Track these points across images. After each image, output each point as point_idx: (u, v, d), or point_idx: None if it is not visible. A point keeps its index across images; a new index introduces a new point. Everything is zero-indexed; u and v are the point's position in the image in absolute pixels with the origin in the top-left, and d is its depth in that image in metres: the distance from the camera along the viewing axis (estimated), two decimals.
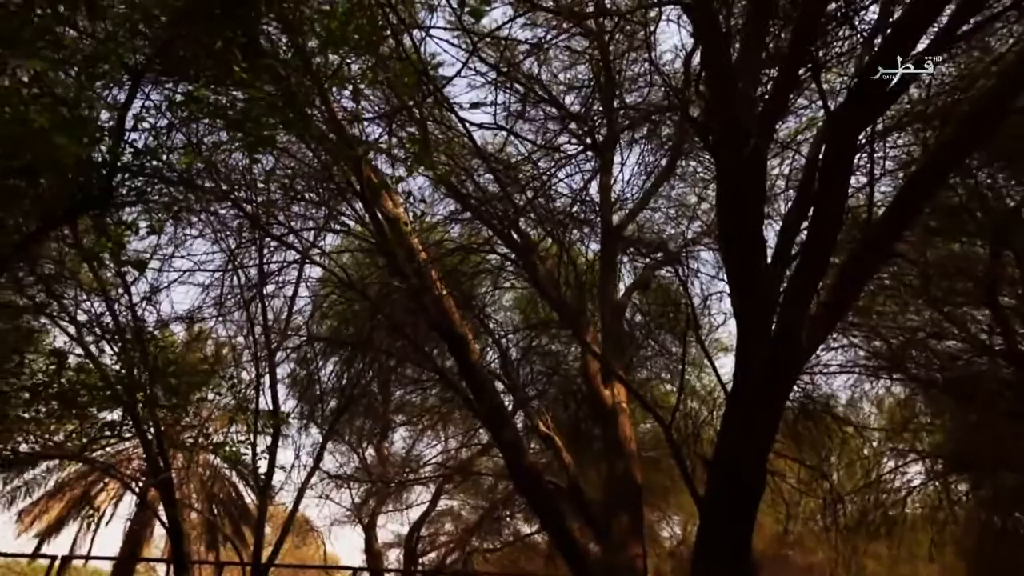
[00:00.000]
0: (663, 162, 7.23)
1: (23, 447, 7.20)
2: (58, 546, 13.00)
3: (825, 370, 7.50)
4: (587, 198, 6.82)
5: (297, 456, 9.48)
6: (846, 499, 7.62)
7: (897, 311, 6.86)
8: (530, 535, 12.63)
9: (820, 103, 3.97)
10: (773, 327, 3.49)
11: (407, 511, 12.86)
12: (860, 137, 3.44)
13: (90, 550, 13.05)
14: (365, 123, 5.54)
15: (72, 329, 6.74)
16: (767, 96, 4.06)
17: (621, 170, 7.17)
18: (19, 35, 3.08)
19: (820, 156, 3.70)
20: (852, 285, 3.63)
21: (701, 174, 7.78)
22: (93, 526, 13.11)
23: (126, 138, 3.80)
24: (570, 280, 6.33)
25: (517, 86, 6.26)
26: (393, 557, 14.21)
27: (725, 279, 5.86)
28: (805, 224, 3.93)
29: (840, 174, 3.28)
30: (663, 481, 11.23)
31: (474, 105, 4.39)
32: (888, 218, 3.34)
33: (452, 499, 13.66)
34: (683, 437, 5.52)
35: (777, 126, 5.11)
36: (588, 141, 6.72)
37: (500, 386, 6.46)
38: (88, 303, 6.86)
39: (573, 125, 6.77)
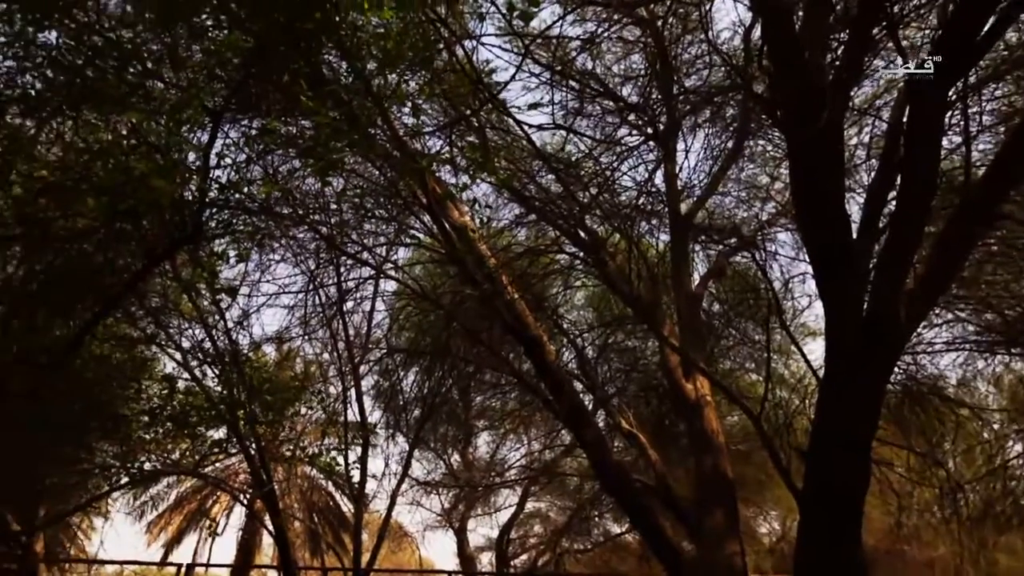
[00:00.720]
0: (729, 144, 6.96)
1: (146, 465, 7.89)
2: (181, 555, 14.12)
3: (930, 349, 6.92)
4: (652, 189, 6.67)
5: (387, 464, 9.80)
6: (967, 488, 6.99)
7: (1010, 279, 6.23)
8: (620, 535, 12.44)
9: (900, 62, 3.70)
10: (865, 306, 3.28)
11: (496, 514, 13.02)
12: (950, 93, 3.17)
13: (209, 558, 14.09)
14: (426, 136, 5.68)
15: (178, 356, 7.33)
16: (838, 62, 3.82)
17: (686, 157, 6.96)
18: (117, 92, 3.40)
19: (904, 119, 3.44)
20: (953, 254, 3.35)
21: (771, 153, 7.43)
22: (210, 536, 14.13)
23: (211, 175, 4.09)
24: (642, 274, 6.21)
25: (572, 83, 6.21)
26: (485, 560, 14.42)
27: (806, 260, 5.56)
28: (893, 194, 3.66)
29: (929, 136, 3.03)
30: (756, 475, 10.76)
31: (531, 107, 4.39)
32: (990, 178, 3.05)
33: (539, 501, 13.69)
34: (774, 428, 5.26)
35: (852, 92, 4.79)
36: (649, 131, 6.57)
37: (579, 386, 6.43)
38: (190, 331, 7.43)
39: (632, 116, 6.64)
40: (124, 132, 3.86)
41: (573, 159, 6.51)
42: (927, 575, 14.04)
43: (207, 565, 13.06)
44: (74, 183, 3.80)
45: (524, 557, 13.97)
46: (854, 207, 5.95)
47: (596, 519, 12.30)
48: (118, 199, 3.55)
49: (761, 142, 7.29)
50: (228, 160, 4.36)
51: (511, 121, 5.59)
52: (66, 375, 5.68)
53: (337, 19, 3.78)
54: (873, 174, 4.41)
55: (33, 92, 3.88)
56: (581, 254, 6.32)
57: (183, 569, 8.60)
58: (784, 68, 3.40)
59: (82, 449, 7.16)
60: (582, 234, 6.00)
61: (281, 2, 3.52)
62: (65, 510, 8.55)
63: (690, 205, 6.82)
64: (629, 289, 5.50)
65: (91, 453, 7.44)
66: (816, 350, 14.89)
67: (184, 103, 3.56)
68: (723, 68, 6.00)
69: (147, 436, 7.38)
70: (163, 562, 13.24)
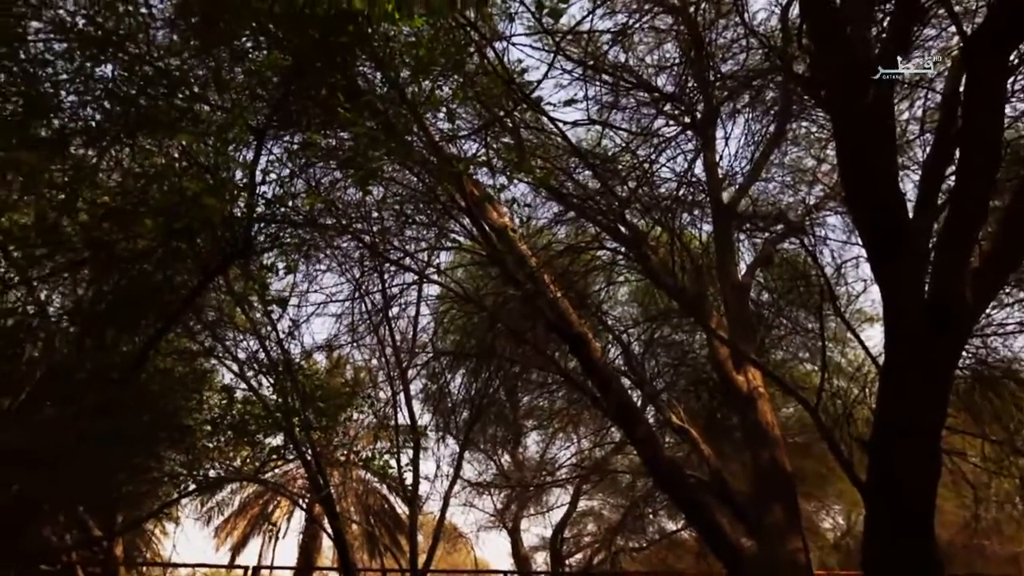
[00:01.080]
0: (771, 129, 6.75)
1: (211, 473, 8.23)
2: (247, 557, 14.67)
3: (1001, 331, 6.53)
4: (693, 179, 6.53)
5: (438, 466, 9.94)
6: None
7: None
8: (676, 532, 12.23)
9: (953, 29, 3.51)
10: (926, 287, 3.12)
11: (548, 514, 13.01)
12: (1011, 57, 2.98)
13: (272, 561, 14.59)
14: (462, 140, 5.73)
15: (235, 367, 7.62)
16: (884, 35, 3.66)
17: (726, 144, 6.79)
18: (167, 117, 3.57)
19: (961, 89, 3.26)
20: (1022, 229, 3.15)
21: (816, 134, 7.17)
22: (273, 539, 14.64)
23: (258, 191, 4.24)
24: (686, 266, 6.09)
25: (605, 77, 6.15)
26: (540, 560, 14.43)
27: (859, 243, 5.33)
28: (951, 169, 3.47)
29: (989, 105, 2.86)
30: (817, 468, 10.39)
31: (566, 104, 4.37)
32: None
33: (592, 499, 13.61)
34: (833, 419, 5.08)
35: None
36: (686, 120, 6.44)
37: (626, 382, 6.35)
38: (245, 342, 7.71)
39: (668, 106, 6.52)
40: (176, 155, 4.04)
41: (610, 154, 6.44)
42: (1011, 571, 13.25)
43: (271, 567, 13.52)
44: (133, 207, 4.01)
45: (579, 556, 13.91)
46: (908, 185, 5.69)
47: (650, 516, 12.14)
48: (173, 219, 3.72)
49: (804, 124, 7.06)
50: (273, 176, 4.52)
51: (545, 119, 5.58)
52: (134, 389, 5.98)
53: (369, 31, 3.86)
54: (928, 149, 4.19)
55: (93, 123, 4.11)
56: (622, 249, 6.26)
57: (249, 571, 8.93)
58: (826, 44, 3.28)
59: (152, 459, 7.52)
60: (623, 229, 5.94)
61: (315, 19, 3.62)
62: (140, 516, 9.00)
63: (732, 193, 6.66)
64: (673, 282, 5.41)
65: (160, 462, 7.80)
66: (874, 336, 14.26)
67: (229, 123, 3.70)
68: (761, 50, 5.83)
69: (210, 445, 7.70)
70: (231, 565, 13.78)
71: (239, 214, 4.22)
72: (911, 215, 3.33)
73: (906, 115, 5.82)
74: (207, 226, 3.89)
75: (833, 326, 7.59)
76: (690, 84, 6.39)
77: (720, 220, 6.32)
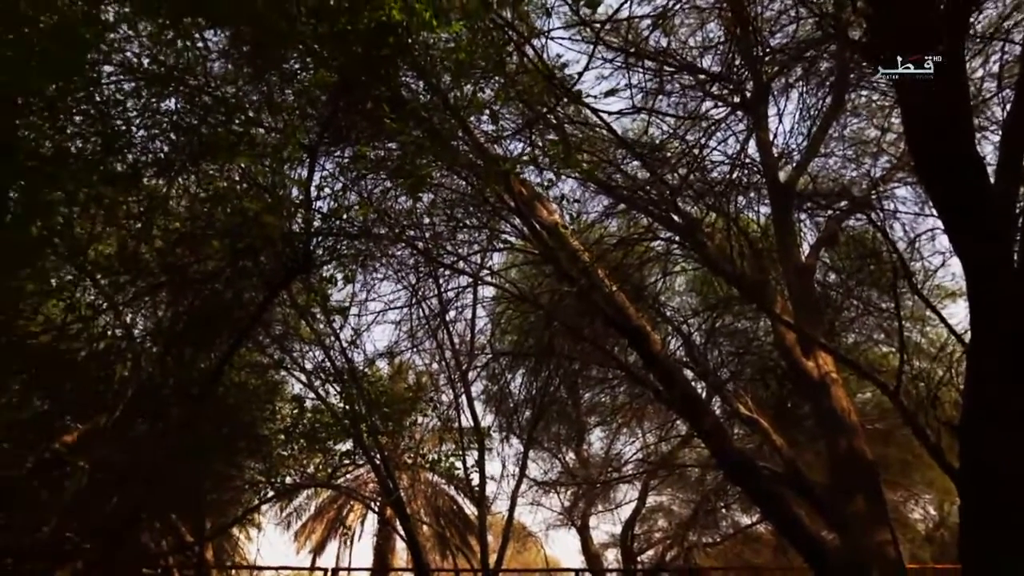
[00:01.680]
0: (827, 101, 6.43)
1: (287, 479, 8.60)
2: (326, 560, 15.22)
3: None
4: (746, 161, 6.30)
5: (503, 466, 10.00)
6: None
7: None
8: (751, 526, 11.84)
9: None
10: (1017, 256, 2.89)
11: (617, 510, 12.86)
12: None
13: (350, 563, 15.07)
14: (507, 140, 5.75)
15: (303, 377, 7.92)
16: None
17: (779, 122, 6.53)
18: (226, 142, 3.75)
19: None
20: None
21: (878, 102, 6.77)
22: (349, 542, 15.13)
23: (314, 206, 4.40)
24: (744, 251, 5.89)
25: (648, 63, 6.02)
26: (611, 557, 14.28)
27: (934, 214, 4.99)
28: None
29: None
30: (901, 455, 9.81)
31: (608, 93, 4.30)
32: None
33: (660, 495, 13.35)
34: (916, 403, 4.77)
35: (972, 19, 4.26)
36: (735, 100, 6.22)
37: (689, 373, 6.20)
38: (311, 353, 8.01)
39: (716, 88, 6.32)
40: (236, 178, 4.25)
41: (657, 141, 6.30)
42: None
43: (349, 569, 13.98)
44: (201, 230, 4.23)
45: (650, 552, 13.68)
46: (988, 148, 5.29)
47: (723, 510, 11.80)
48: (237, 238, 3.91)
49: (864, 92, 6.68)
50: (327, 190, 4.67)
51: (589, 112, 5.53)
52: (213, 403, 6.31)
53: (409, 40, 3.93)
54: (1008, 106, 3.88)
55: (162, 155, 4.37)
56: (677, 238, 6.11)
57: (328, 573, 9.27)
58: (885, 4, 3.09)
59: (233, 468, 7.93)
60: (676, 218, 5.79)
61: (357, 35, 3.71)
62: (226, 522, 9.51)
63: (790, 172, 6.38)
64: (732, 268, 5.24)
65: (240, 471, 8.22)
66: (957, 313, 13.35)
67: (283, 144, 3.85)
68: (812, 19, 5.55)
69: (285, 453, 8.05)
70: (312, 567, 14.34)
71: (297, 230, 4.39)
72: (992, 180, 3.09)
73: (980, 72, 5.41)
74: (269, 243, 4.06)
75: (910, 304, 7.15)
76: (737, 62, 6.17)
77: (778, 201, 6.07)
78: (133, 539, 6.79)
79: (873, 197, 6.47)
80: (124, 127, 4.02)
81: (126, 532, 5.88)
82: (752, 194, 6.53)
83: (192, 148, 3.99)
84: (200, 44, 4.12)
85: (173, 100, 4.21)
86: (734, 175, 6.04)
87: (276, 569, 10.40)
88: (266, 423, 7.85)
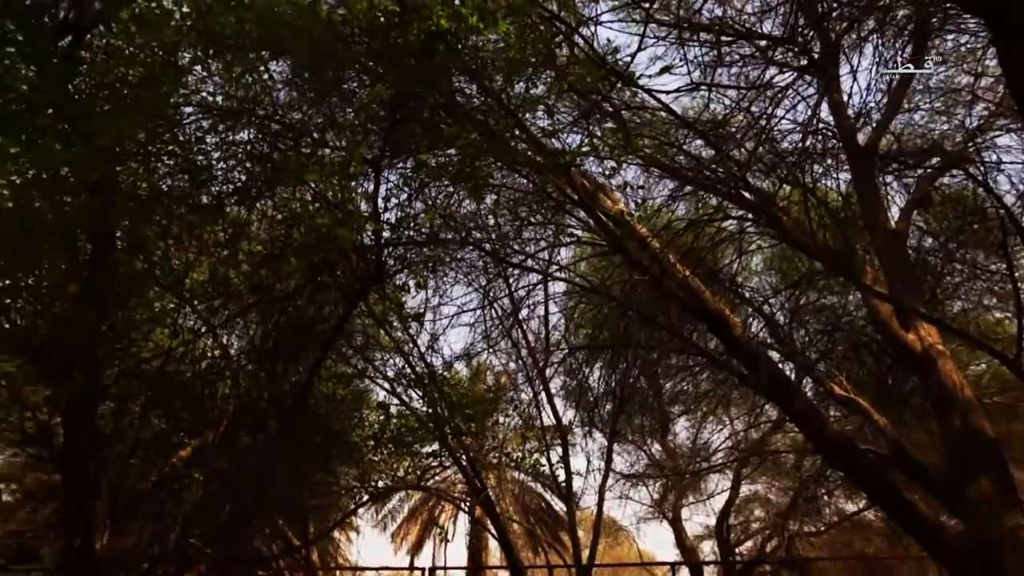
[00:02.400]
0: (907, 51, 5.94)
1: (379, 483, 8.95)
2: (423, 560, 15.71)
3: None
4: (819, 126, 5.93)
5: (588, 461, 9.97)
6: None
7: None
8: (858, 513, 11.14)
9: None
10: None
11: (709, 501, 12.47)
12: None
13: (445, 562, 15.48)
14: (564, 133, 5.70)
15: (386, 384, 8.21)
16: None
17: (854, 80, 6.10)
18: (296, 164, 3.96)
19: None
20: None
21: (968, 45, 6.19)
22: (443, 542, 15.55)
23: (382, 217, 4.55)
24: (825, 222, 5.55)
25: (703, 36, 5.79)
26: (707, 549, 13.87)
27: None
28: None
29: None
30: None
31: (662, 71, 4.16)
32: None
33: (754, 483, 12.84)
34: None
35: None
36: (802, 63, 5.87)
37: (776, 356, 5.92)
38: (391, 360, 8.29)
39: (779, 53, 5.99)
40: (308, 197, 4.47)
41: (720, 117, 6.05)
42: None
43: (445, 568, 14.36)
44: (280, 250, 4.48)
45: (748, 543, 13.17)
46: None
47: (824, 497, 11.17)
48: (314, 255, 4.11)
49: (950, 36, 6.13)
50: (393, 201, 4.83)
51: (646, 96, 5.38)
52: (305, 414, 6.67)
53: (459, 46, 3.99)
54: None
55: (240, 183, 4.67)
56: (749, 216, 5.84)
57: (426, 572, 9.56)
58: None
59: (329, 474, 8.34)
60: (746, 194, 5.54)
61: (409, 48, 3.81)
62: (327, 526, 10.02)
63: (870, 133, 5.95)
64: (813, 241, 4.95)
65: (336, 477, 8.63)
66: None
67: (348, 160, 4.01)
68: None
69: (375, 458, 8.38)
70: (411, 567, 14.85)
71: (368, 242, 4.56)
72: None
73: None
74: (343, 257, 4.24)
75: None
76: (801, 23, 5.82)
77: (859, 165, 5.68)
78: (247, 544, 7.27)
79: (970, 150, 5.92)
80: (205, 162, 4.33)
81: (241, 538, 6.32)
82: (829, 161, 6.14)
83: (266, 174, 4.24)
84: (266, 76, 4.36)
85: (246, 131, 4.49)
86: (807, 143, 5.71)
87: (376, 570, 10.85)
88: (355, 430, 8.20)
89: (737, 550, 12.67)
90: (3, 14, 3.73)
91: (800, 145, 5.74)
